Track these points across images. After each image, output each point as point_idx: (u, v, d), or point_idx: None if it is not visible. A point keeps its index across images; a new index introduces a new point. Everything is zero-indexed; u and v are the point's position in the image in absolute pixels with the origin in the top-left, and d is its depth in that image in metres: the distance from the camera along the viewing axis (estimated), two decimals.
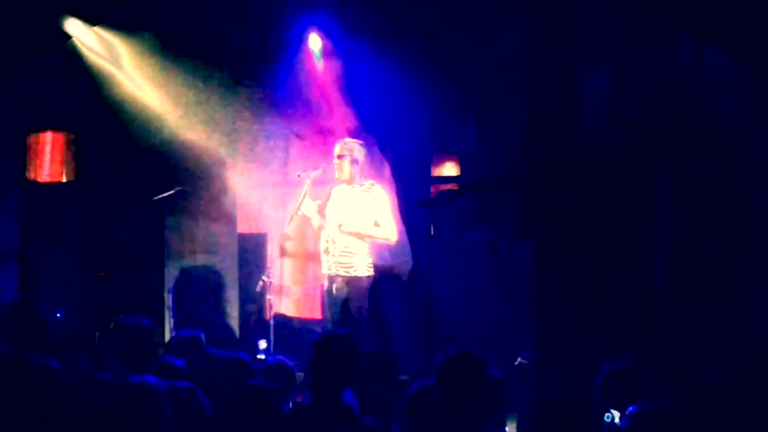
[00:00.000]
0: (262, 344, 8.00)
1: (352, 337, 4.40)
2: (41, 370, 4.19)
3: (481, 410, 3.94)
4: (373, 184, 7.38)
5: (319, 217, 7.34)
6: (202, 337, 5.62)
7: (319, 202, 7.38)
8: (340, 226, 7.23)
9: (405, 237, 8.13)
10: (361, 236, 7.25)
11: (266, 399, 4.12)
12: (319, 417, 4.07)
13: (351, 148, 7.32)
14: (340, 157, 7.31)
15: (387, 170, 8.65)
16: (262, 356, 7.78)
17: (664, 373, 6.02)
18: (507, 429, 4.68)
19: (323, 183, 7.69)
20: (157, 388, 3.35)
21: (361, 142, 7.49)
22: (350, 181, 7.35)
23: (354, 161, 7.30)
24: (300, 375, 5.69)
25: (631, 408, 4.08)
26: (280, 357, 5.19)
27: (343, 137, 7.65)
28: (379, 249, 7.84)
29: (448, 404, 3.94)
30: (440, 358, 4.05)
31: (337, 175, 7.37)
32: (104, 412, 3.33)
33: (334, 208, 7.36)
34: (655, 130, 7.30)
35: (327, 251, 7.28)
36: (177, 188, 8.67)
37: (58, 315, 8.10)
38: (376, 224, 7.29)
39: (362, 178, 7.38)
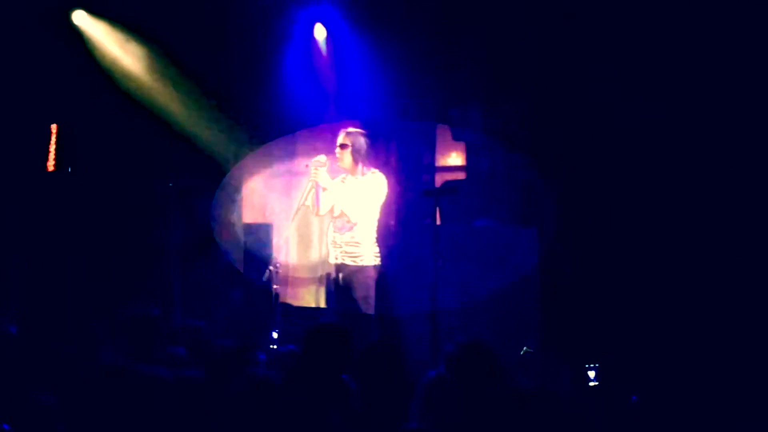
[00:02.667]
0: (275, 334, 8.01)
1: (344, 327, 4.34)
2: (61, 357, 4.21)
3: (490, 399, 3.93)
4: (374, 173, 7.34)
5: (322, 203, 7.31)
6: (205, 327, 5.63)
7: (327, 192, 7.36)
8: (333, 206, 7.23)
9: (373, 231, 7.30)
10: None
11: (261, 388, 4.11)
12: (311, 408, 4.05)
13: (353, 137, 7.29)
14: (342, 146, 7.28)
15: (392, 159, 8.65)
16: (275, 346, 7.79)
17: (667, 364, 6.04)
18: None
19: (330, 172, 7.68)
20: (167, 378, 3.37)
21: (364, 131, 7.44)
22: (352, 171, 7.32)
23: (356, 150, 7.25)
24: None
25: (634, 397, 4.09)
26: (291, 346, 5.19)
27: (346, 126, 7.62)
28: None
29: (460, 393, 3.94)
30: (451, 349, 4.05)
31: (339, 164, 7.34)
32: (115, 402, 3.35)
33: (336, 197, 7.34)
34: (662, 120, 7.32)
35: (334, 243, 7.27)
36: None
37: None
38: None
39: (365, 167, 7.33)
